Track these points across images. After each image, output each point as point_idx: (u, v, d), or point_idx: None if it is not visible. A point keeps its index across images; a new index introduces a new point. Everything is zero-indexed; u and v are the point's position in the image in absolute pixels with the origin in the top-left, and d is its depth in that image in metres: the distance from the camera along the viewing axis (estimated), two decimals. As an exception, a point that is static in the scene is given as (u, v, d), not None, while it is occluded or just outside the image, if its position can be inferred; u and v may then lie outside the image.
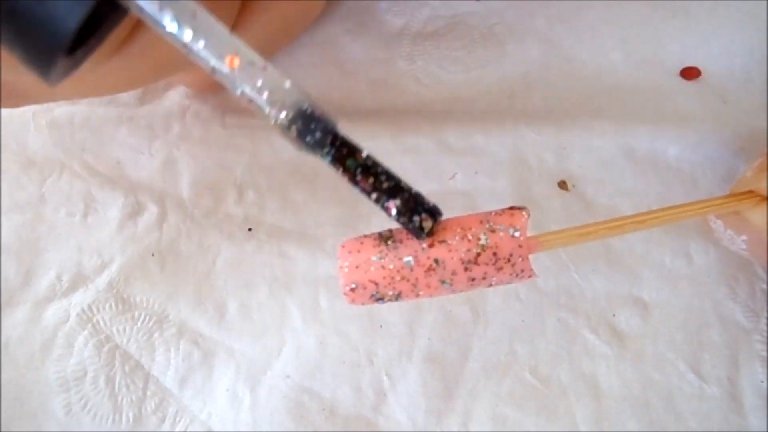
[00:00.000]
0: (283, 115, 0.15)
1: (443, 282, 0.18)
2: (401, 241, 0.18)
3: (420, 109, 0.30)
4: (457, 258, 0.18)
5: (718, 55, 0.30)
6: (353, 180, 0.16)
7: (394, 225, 0.17)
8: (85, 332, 0.27)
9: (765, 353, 0.24)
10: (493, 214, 0.18)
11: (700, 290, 0.25)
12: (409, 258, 0.18)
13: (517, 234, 0.18)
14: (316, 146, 0.15)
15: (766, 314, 0.25)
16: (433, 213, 0.17)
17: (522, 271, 0.18)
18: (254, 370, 0.26)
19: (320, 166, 0.29)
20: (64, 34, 0.14)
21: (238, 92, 0.15)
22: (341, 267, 0.18)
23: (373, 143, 0.29)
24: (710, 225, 0.23)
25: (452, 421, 0.24)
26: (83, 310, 0.27)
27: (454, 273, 0.18)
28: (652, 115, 0.28)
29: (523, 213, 0.18)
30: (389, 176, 0.16)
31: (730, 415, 0.24)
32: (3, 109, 0.31)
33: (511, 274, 0.18)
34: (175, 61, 0.22)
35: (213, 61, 0.15)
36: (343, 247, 0.18)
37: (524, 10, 0.32)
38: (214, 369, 0.26)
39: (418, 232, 0.17)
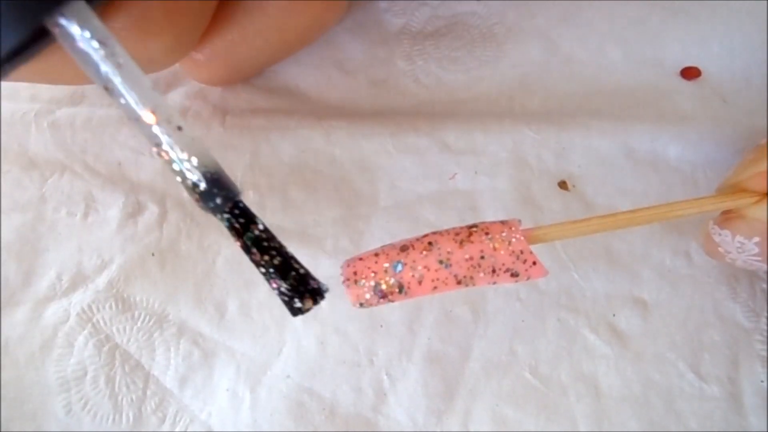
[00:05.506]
0: (190, 174, 0.16)
1: (441, 262, 0.19)
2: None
3: (420, 109, 0.30)
4: (450, 238, 0.19)
5: (718, 55, 0.30)
6: (246, 250, 0.17)
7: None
8: (85, 332, 0.27)
9: (765, 353, 0.24)
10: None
11: (700, 290, 0.26)
12: (405, 244, 0.20)
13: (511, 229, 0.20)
14: (216, 210, 0.16)
15: (766, 314, 0.25)
16: (315, 294, 0.17)
17: (526, 260, 0.19)
18: (254, 370, 0.26)
19: (320, 166, 0.29)
20: None
21: (153, 146, 0.16)
22: (344, 279, 0.20)
23: (372, 143, 0.29)
24: (714, 239, 0.23)
25: (452, 421, 0.24)
26: (83, 310, 0.27)
27: (450, 252, 0.19)
28: (652, 115, 0.28)
29: (516, 220, 0.20)
30: (281, 253, 0.17)
31: (730, 415, 0.24)
32: (5, 112, 0.31)
33: (512, 260, 0.19)
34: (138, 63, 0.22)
35: (136, 110, 0.15)
36: (347, 265, 0.20)
37: (524, 10, 0.32)
38: (214, 369, 0.26)
39: (294, 311, 0.17)
